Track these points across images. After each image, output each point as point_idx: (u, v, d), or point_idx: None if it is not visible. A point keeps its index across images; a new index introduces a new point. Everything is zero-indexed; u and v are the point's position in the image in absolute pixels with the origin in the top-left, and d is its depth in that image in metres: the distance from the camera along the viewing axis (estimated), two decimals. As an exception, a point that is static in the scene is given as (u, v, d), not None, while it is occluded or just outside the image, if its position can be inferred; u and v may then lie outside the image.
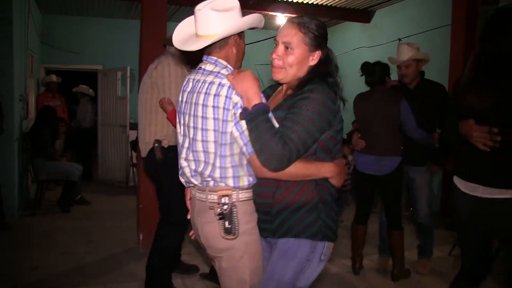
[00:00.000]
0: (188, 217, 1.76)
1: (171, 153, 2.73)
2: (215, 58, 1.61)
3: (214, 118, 1.53)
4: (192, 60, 2.76)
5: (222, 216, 1.56)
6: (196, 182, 1.65)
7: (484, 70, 1.86)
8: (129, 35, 7.02)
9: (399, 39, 5.55)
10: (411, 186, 3.37)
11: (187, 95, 1.64)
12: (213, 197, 1.59)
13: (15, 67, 4.79)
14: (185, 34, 1.66)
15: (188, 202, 1.78)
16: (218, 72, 1.57)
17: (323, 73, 1.60)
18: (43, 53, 7.63)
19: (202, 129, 1.57)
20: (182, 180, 1.73)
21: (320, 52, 1.61)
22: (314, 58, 1.61)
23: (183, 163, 1.68)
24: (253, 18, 1.60)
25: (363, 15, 6.99)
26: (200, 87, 1.57)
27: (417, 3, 6.02)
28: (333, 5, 6.57)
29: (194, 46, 1.57)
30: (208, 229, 1.62)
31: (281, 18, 6.68)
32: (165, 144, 2.83)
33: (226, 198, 1.57)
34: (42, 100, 6.54)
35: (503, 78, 1.80)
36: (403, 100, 3.08)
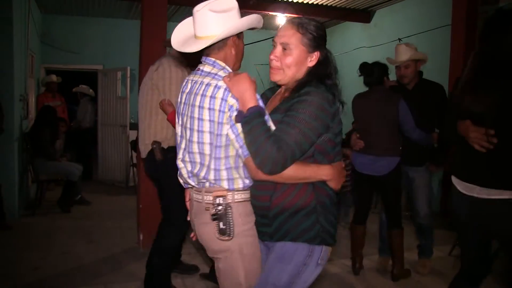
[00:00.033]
0: (188, 218, 1.76)
1: (171, 153, 2.73)
2: (213, 59, 1.61)
3: (209, 120, 1.53)
4: (192, 61, 2.76)
5: (217, 217, 1.56)
6: (193, 183, 1.65)
7: (483, 70, 1.86)
8: (129, 35, 7.02)
9: (399, 39, 5.55)
10: (411, 186, 3.37)
11: (186, 96, 1.64)
12: (209, 198, 1.59)
13: (15, 67, 4.79)
14: (184, 36, 1.66)
15: (187, 203, 1.79)
16: (216, 74, 1.57)
17: (322, 75, 1.58)
18: (43, 53, 7.63)
19: (198, 131, 1.57)
20: (180, 181, 1.74)
21: (318, 53, 1.59)
22: (313, 59, 1.59)
23: (180, 164, 1.68)
24: (252, 19, 1.59)
25: (363, 15, 6.99)
26: (197, 89, 1.58)
27: (417, 3, 6.02)
28: (333, 5, 6.56)
29: (193, 47, 1.57)
30: (204, 230, 1.63)
31: (281, 18, 6.68)
32: (164, 145, 2.84)
33: (221, 198, 1.56)
34: (42, 100, 6.54)
35: (502, 79, 1.80)
36: (402, 100, 3.09)
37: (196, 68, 1.67)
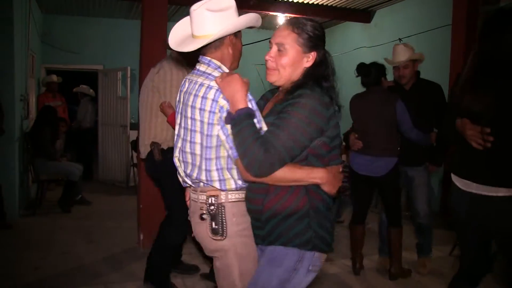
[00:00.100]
0: (189, 217, 1.77)
1: (171, 154, 2.75)
2: (209, 58, 1.61)
3: (200, 121, 1.53)
4: (191, 61, 2.78)
5: (211, 217, 1.57)
6: (189, 183, 1.67)
7: (482, 70, 1.87)
8: (130, 35, 7.02)
9: (400, 39, 5.55)
10: (410, 185, 3.37)
11: (182, 95, 1.65)
12: (203, 197, 1.59)
13: (16, 67, 4.79)
14: (182, 35, 1.65)
15: (188, 203, 1.80)
16: (209, 74, 1.57)
17: (319, 76, 1.54)
18: (44, 53, 7.64)
19: (191, 130, 1.58)
20: (180, 179, 1.75)
21: (315, 53, 1.55)
22: (309, 60, 1.55)
23: (177, 162, 1.70)
24: (249, 18, 1.59)
25: (364, 15, 6.98)
26: (191, 88, 1.59)
27: (418, 3, 6.02)
28: (334, 5, 6.56)
29: (189, 47, 1.57)
30: (198, 229, 1.65)
31: (281, 18, 6.68)
32: (164, 146, 2.87)
33: (213, 198, 1.57)
34: (43, 100, 6.54)
35: (501, 78, 1.81)
36: (399, 100, 3.09)
37: (194, 68, 1.68)
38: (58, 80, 6.86)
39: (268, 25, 7.12)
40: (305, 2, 6.43)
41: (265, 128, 1.48)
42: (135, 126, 5.48)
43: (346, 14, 6.86)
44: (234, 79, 1.47)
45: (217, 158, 1.54)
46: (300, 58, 1.55)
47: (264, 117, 1.54)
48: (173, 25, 1.70)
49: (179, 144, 1.67)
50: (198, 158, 1.57)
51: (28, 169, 5.39)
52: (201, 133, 1.54)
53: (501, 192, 1.79)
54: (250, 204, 1.56)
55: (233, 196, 1.57)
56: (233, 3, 1.58)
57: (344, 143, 3.77)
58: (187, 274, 3.33)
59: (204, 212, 1.59)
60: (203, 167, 1.56)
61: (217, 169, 1.55)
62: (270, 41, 1.59)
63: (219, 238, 1.57)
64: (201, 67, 1.62)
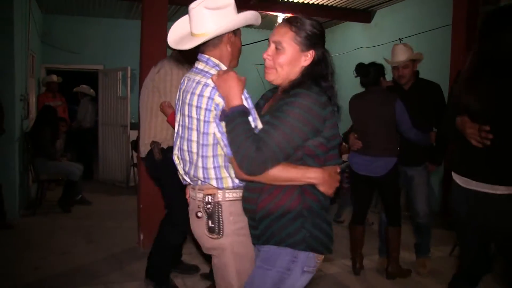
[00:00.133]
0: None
1: (170, 153, 2.76)
2: (207, 56, 1.61)
3: (197, 118, 1.54)
4: (192, 61, 2.79)
5: (207, 215, 1.57)
6: (188, 181, 1.68)
7: (481, 68, 1.87)
8: (130, 35, 7.02)
9: (400, 39, 5.55)
10: (410, 185, 3.37)
11: (182, 93, 1.66)
12: (200, 195, 1.60)
13: (16, 67, 4.79)
14: (181, 34, 1.66)
15: (188, 200, 1.80)
16: (207, 72, 1.57)
17: (317, 75, 1.51)
18: (44, 53, 7.64)
19: (188, 128, 1.59)
20: (180, 177, 1.76)
21: (313, 52, 1.52)
22: (307, 59, 1.53)
23: (176, 160, 1.71)
24: (247, 16, 1.58)
25: (364, 15, 6.98)
26: (189, 86, 1.59)
27: (418, 3, 6.01)
28: (334, 5, 6.56)
29: (187, 45, 1.58)
30: (196, 227, 1.66)
31: (281, 18, 6.67)
32: (164, 145, 2.88)
33: (210, 197, 1.57)
34: (43, 100, 6.54)
35: (500, 77, 1.81)
36: (398, 100, 3.09)
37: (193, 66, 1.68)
38: (58, 80, 6.86)
39: (268, 25, 7.11)
40: (305, 2, 6.43)
41: (260, 126, 1.47)
42: (135, 126, 5.48)
43: (346, 14, 6.86)
44: (230, 76, 1.47)
45: (214, 156, 1.54)
46: (298, 57, 1.52)
47: (263, 116, 1.54)
48: (173, 25, 1.71)
49: (178, 142, 1.68)
50: (195, 156, 1.58)
51: (28, 169, 5.39)
52: (198, 131, 1.55)
53: (500, 190, 1.80)
54: (245, 203, 1.56)
55: (230, 195, 1.58)
56: (232, 1, 1.58)
57: (345, 144, 3.78)
58: (187, 274, 3.33)
59: (200, 210, 1.59)
60: (200, 164, 1.57)
61: (214, 167, 1.55)
62: (268, 40, 1.58)
63: (215, 236, 1.57)
64: (199, 65, 1.63)
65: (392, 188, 3.24)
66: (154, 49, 3.80)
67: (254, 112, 1.51)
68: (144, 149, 2.95)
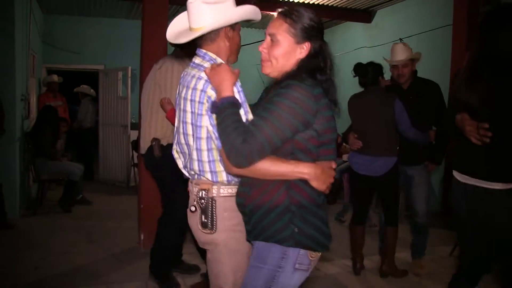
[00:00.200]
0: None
1: (170, 150, 2.77)
2: (204, 51, 1.62)
3: (191, 112, 1.56)
4: (191, 56, 2.81)
5: (201, 210, 1.58)
6: (187, 174, 1.69)
7: (480, 67, 1.87)
8: (130, 35, 7.02)
9: (401, 39, 5.54)
10: (410, 184, 3.37)
11: (180, 88, 1.68)
12: (196, 190, 1.62)
13: (17, 67, 4.79)
14: (180, 29, 1.67)
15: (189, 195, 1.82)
16: (202, 66, 1.58)
17: (313, 68, 1.47)
18: (45, 53, 7.64)
19: (184, 122, 1.61)
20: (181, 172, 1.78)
21: (309, 44, 1.48)
22: (303, 51, 1.49)
23: (175, 154, 1.73)
24: (246, 10, 1.58)
25: (364, 15, 6.98)
26: (185, 81, 1.61)
27: (419, 3, 6.01)
28: (334, 5, 6.56)
29: (185, 39, 1.58)
30: (191, 221, 1.67)
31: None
32: (164, 142, 2.88)
33: (204, 192, 1.58)
34: (44, 100, 6.55)
35: (499, 75, 1.82)
36: (397, 100, 3.09)
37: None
38: (59, 80, 6.87)
39: (268, 24, 7.12)
40: (305, 2, 6.43)
41: (251, 117, 1.47)
42: (136, 126, 5.48)
43: (346, 14, 6.85)
44: (222, 68, 1.47)
45: (209, 150, 1.55)
46: (293, 49, 1.49)
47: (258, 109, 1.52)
48: (174, 25, 1.71)
49: (176, 137, 1.70)
50: (191, 149, 1.60)
51: (29, 169, 5.39)
52: (192, 124, 1.56)
53: (498, 186, 1.81)
54: (237, 197, 1.54)
55: (225, 191, 1.58)
56: None
57: (345, 144, 3.78)
58: (187, 274, 3.33)
59: (194, 204, 1.60)
60: (195, 157, 1.58)
61: (209, 161, 1.56)
62: (265, 33, 1.57)
63: (208, 231, 1.58)
64: (196, 59, 1.64)
65: (392, 188, 3.24)
66: (155, 49, 3.81)
67: (246, 105, 1.51)
68: (144, 145, 2.96)
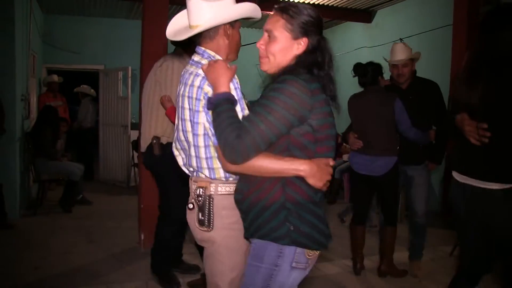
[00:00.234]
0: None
1: (170, 149, 2.78)
2: (203, 48, 1.62)
3: (189, 109, 1.56)
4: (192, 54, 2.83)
5: (198, 208, 1.59)
6: (187, 171, 1.70)
7: (480, 67, 1.87)
8: (131, 35, 7.02)
9: (401, 39, 5.53)
10: (410, 184, 3.37)
11: (180, 86, 1.68)
12: (194, 187, 1.62)
13: (17, 67, 4.79)
14: (179, 26, 1.68)
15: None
16: (201, 63, 1.58)
17: (310, 64, 1.45)
18: (45, 53, 7.65)
19: (183, 119, 1.61)
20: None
21: (307, 40, 1.47)
22: (300, 47, 1.47)
23: (175, 151, 1.74)
24: (246, 8, 1.58)
25: (365, 15, 6.98)
26: (184, 78, 1.62)
27: (419, 3, 6.01)
28: (335, 5, 6.56)
29: (183, 36, 1.58)
30: (189, 218, 1.67)
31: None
32: (163, 140, 2.88)
33: (201, 189, 1.58)
34: (44, 100, 6.55)
35: (498, 75, 1.82)
36: (397, 100, 3.09)
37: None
38: (59, 80, 6.87)
39: (269, 25, 7.13)
40: (306, 2, 6.43)
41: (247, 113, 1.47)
42: (136, 126, 5.49)
43: (347, 14, 6.85)
44: (219, 64, 1.46)
45: (206, 146, 1.55)
46: (290, 45, 1.47)
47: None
48: (174, 26, 1.71)
49: (176, 134, 1.70)
50: (189, 145, 1.60)
51: (29, 169, 5.40)
52: (191, 121, 1.57)
53: (496, 186, 1.81)
54: (235, 193, 1.53)
55: (223, 189, 1.57)
56: None
57: (345, 144, 3.78)
58: (188, 274, 3.33)
59: (192, 202, 1.61)
60: (193, 153, 1.59)
61: (207, 158, 1.56)
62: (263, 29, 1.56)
63: (205, 229, 1.58)
64: (195, 57, 1.64)
65: (392, 188, 3.24)
66: (155, 49, 3.81)
67: (242, 102, 1.51)
68: (144, 143, 2.97)
